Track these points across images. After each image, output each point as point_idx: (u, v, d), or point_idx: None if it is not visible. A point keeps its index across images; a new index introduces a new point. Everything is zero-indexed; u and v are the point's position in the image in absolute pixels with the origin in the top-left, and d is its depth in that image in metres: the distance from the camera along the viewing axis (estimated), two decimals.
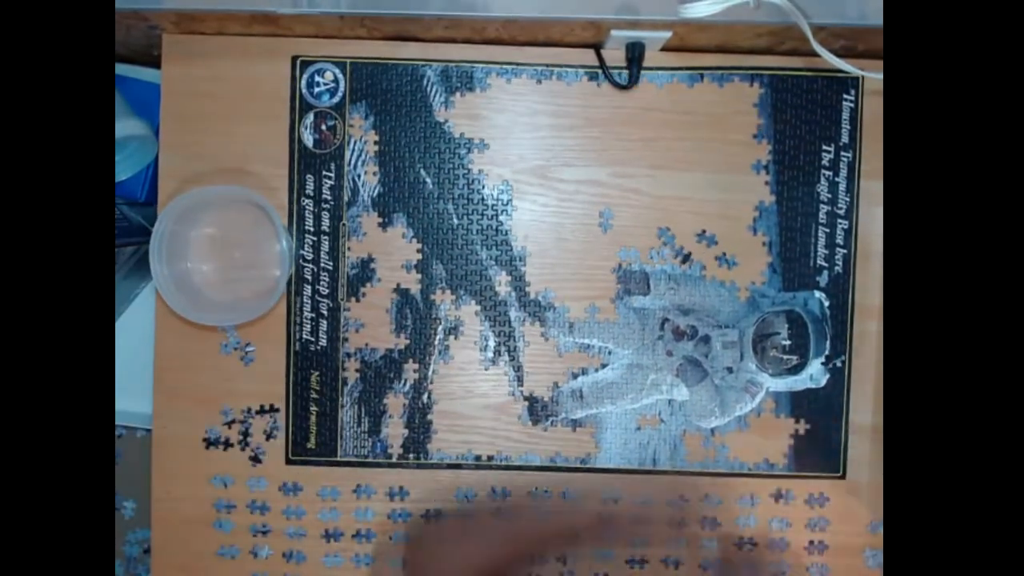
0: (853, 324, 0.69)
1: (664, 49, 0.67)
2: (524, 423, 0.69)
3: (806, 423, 0.69)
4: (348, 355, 0.69)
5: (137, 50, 0.70)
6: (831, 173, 0.69)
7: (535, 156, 0.69)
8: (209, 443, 0.69)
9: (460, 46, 0.68)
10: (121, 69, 0.71)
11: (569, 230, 0.69)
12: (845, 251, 0.69)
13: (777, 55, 0.68)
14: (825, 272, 0.69)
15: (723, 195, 0.69)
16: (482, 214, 0.69)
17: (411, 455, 0.69)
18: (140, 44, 0.68)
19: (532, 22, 0.62)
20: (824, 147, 0.69)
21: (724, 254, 0.69)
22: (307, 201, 0.68)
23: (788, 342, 0.69)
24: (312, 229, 0.68)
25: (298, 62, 0.68)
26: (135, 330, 0.80)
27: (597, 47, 0.68)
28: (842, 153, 0.69)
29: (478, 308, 0.69)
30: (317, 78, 0.68)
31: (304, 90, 0.68)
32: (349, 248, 0.69)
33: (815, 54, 0.59)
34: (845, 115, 0.69)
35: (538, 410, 0.69)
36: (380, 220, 0.69)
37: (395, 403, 0.69)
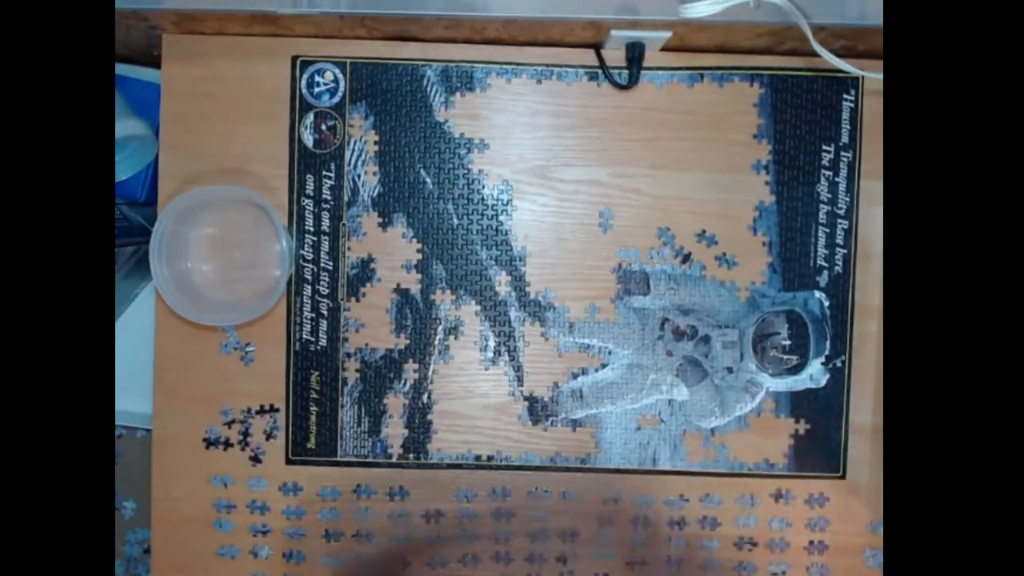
0: (853, 324, 0.69)
1: (664, 49, 0.67)
2: (524, 423, 0.69)
3: (806, 423, 0.69)
4: (348, 355, 0.69)
5: (137, 50, 0.70)
6: (831, 173, 0.69)
7: (535, 156, 0.69)
8: (209, 443, 0.69)
9: (460, 46, 0.68)
10: (121, 69, 0.71)
11: (569, 230, 0.69)
12: (845, 251, 0.69)
13: (777, 55, 0.68)
14: (825, 272, 0.69)
15: (723, 195, 0.69)
16: (482, 214, 0.69)
17: (411, 455, 0.69)
18: (140, 44, 0.68)
19: (532, 22, 0.62)
20: (824, 147, 0.69)
21: (724, 254, 0.69)
22: (307, 201, 0.68)
23: (788, 342, 0.69)
24: (312, 229, 0.68)
25: (298, 62, 0.68)
26: (135, 330, 0.80)
27: (597, 47, 0.68)
28: (842, 153, 0.69)
29: (478, 308, 0.69)
30: (317, 78, 0.68)
31: (304, 90, 0.68)
32: (349, 248, 0.69)
33: (815, 54, 0.59)
34: (845, 115, 0.69)
35: (538, 410, 0.69)
36: (380, 220, 0.69)
37: (395, 403, 0.69)
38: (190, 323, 0.67)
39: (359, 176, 0.68)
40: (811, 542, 0.70)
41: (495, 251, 0.69)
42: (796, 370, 0.69)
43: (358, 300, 0.69)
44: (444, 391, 0.69)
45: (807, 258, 0.69)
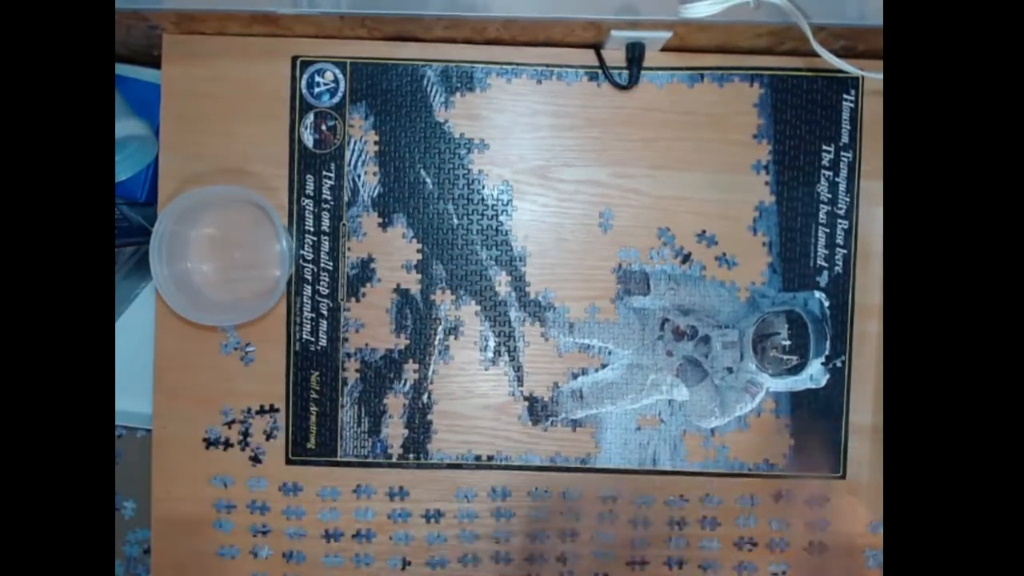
0: (853, 324, 0.69)
1: (664, 49, 0.67)
2: (524, 423, 0.69)
3: (806, 423, 0.69)
4: (348, 355, 0.69)
5: (137, 50, 0.70)
6: (831, 173, 0.69)
7: (535, 156, 0.69)
8: (209, 443, 0.69)
9: (460, 46, 0.68)
10: (121, 69, 0.71)
11: (569, 230, 0.69)
12: (845, 251, 0.69)
13: (777, 55, 0.68)
14: (825, 272, 0.69)
15: (723, 195, 0.69)
16: (482, 214, 0.69)
17: (411, 455, 0.69)
18: (140, 44, 0.68)
19: (532, 22, 0.62)
20: (824, 147, 0.69)
21: (724, 254, 0.69)
22: (307, 201, 0.68)
23: (788, 342, 0.69)
24: (312, 229, 0.68)
25: (298, 62, 0.68)
26: (135, 330, 0.80)
27: (597, 47, 0.68)
28: (842, 153, 0.69)
29: (478, 308, 0.69)
30: (317, 78, 0.68)
31: (304, 90, 0.68)
32: (349, 248, 0.69)
33: (815, 54, 0.59)
34: (845, 115, 0.69)
35: (538, 410, 0.69)
36: (380, 220, 0.69)
37: (395, 403, 0.69)
38: (190, 323, 0.67)
39: (359, 176, 0.68)
40: (811, 543, 0.70)
41: (495, 251, 0.69)
42: (796, 370, 0.69)
43: (358, 300, 0.69)
44: (444, 391, 0.69)
45: (807, 258, 0.69)
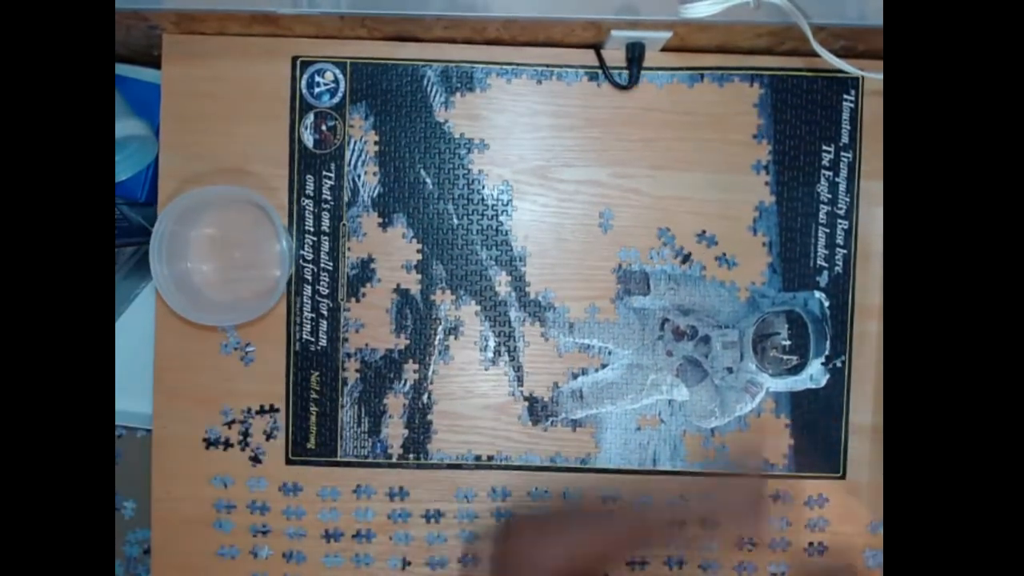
0: (853, 324, 0.69)
1: (664, 49, 0.67)
2: (524, 423, 0.69)
3: (806, 423, 0.69)
4: (348, 355, 0.69)
5: (137, 50, 0.70)
6: (831, 173, 0.69)
7: (535, 156, 0.69)
8: (209, 443, 0.69)
9: (460, 46, 0.68)
10: (121, 69, 0.71)
11: (569, 230, 0.69)
12: (845, 251, 0.69)
13: (777, 55, 0.68)
14: (825, 272, 0.69)
15: (723, 195, 0.69)
16: (482, 214, 0.69)
17: (411, 455, 0.69)
18: (140, 44, 0.68)
19: (532, 22, 0.62)
20: (824, 147, 0.69)
21: (724, 254, 0.69)
22: (307, 201, 0.68)
23: (788, 342, 0.69)
24: (312, 229, 0.68)
25: (298, 62, 0.68)
26: (135, 330, 0.80)
27: (597, 47, 0.68)
28: (842, 153, 0.69)
29: (478, 308, 0.69)
30: (317, 78, 0.68)
31: (304, 90, 0.68)
32: (349, 248, 0.69)
33: (815, 54, 0.59)
34: (845, 115, 0.69)
35: (538, 410, 0.69)
36: (380, 220, 0.69)
37: (395, 403, 0.69)
38: (190, 323, 0.67)
39: (359, 176, 0.68)
40: (811, 543, 0.70)
41: (495, 251, 0.69)
42: (796, 370, 0.69)
43: (358, 300, 0.69)
44: (444, 391, 0.69)
45: (807, 258, 0.69)
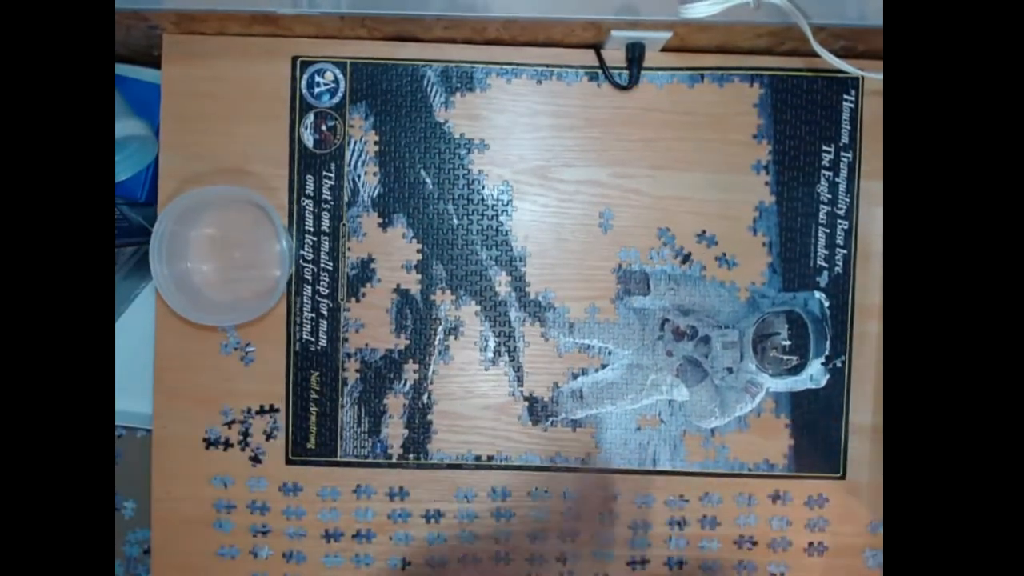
0: (853, 324, 0.69)
1: (664, 49, 0.67)
2: (524, 423, 0.69)
3: (806, 423, 0.69)
4: (348, 355, 0.69)
5: (137, 50, 0.70)
6: (831, 173, 0.69)
7: (535, 156, 0.69)
8: (209, 443, 0.69)
9: (460, 46, 0.68)
10: (121, 69, 0.71)
11: (569, 230, 0.69)
12: (845, 251, 0.69)
13: (777, 55, 0.68)
14: (825, 272, 0.69)
15: (723, 195, 0.69)
16: (482, 214, 0.69)
17: (411, 455, 0.69)
18: (140, 44, 0.68)
19: (532, 22, 0.62)
20: (824, 147, 0.69)
21: (724, 254, 0.69)
22: (307, 201, 0.68)
23: (788, 342, 0.69)
24: (312, 229, 0.68)
25: (298, 62, 0.68)
26: (135, 330, 0.80)
27: (597, 47, 0.68)
28: (842, 153, 0.69)
29: (478, 308, 0.69)
30: (317, 78, 0.68)
31: (304, 90, 0.68)
32: (349, 248, 0.69)
33: (815, 54, 0.59)
34: (845, 115, 0.69)
35: (538, 410, 0.69)
36: (380, 220, 0.69)
37: (395, 403, 0.69)
38: (190, 323, 0.67)
39: (359, 176, 0.68)
40: (811, 543, 0.70)
41: (495, 251, 0.69)
42: (796, 370, 0.69)
43: (358, 300, 0.69)
44: (444, 391, 0.69)
45: (807, 258, 0.69)
